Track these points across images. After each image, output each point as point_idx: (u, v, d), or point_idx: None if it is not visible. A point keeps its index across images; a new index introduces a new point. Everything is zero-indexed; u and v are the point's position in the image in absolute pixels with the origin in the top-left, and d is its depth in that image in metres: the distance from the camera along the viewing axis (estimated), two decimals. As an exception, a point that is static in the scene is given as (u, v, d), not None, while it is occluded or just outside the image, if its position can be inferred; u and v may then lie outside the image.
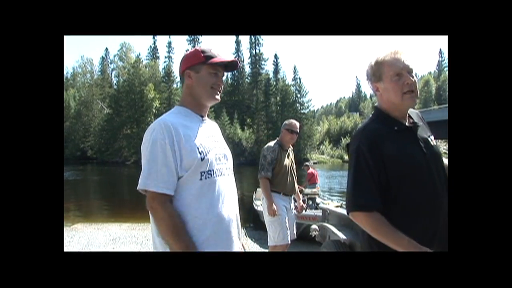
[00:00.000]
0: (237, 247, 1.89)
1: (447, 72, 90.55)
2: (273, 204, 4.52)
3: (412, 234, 1.68)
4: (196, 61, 1.90)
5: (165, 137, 1.73)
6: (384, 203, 1.73)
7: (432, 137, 1.86)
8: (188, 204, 1.74)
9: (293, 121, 4.88)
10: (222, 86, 1.95)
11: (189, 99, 1.93)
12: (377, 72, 1.83)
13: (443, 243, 1.67)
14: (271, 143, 4.78)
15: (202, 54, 1.89)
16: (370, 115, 1.92)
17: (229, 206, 1.86)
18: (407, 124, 1.84)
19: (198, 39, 68.49)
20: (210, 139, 1.88)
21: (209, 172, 1.79)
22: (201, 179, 1.76)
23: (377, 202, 1.71)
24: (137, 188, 1.75)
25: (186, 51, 2.10)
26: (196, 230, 1.73)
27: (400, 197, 1.73)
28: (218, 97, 1.93)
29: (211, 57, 1.89)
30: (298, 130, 4.76)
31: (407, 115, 1.87)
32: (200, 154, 1.77)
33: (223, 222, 1.81)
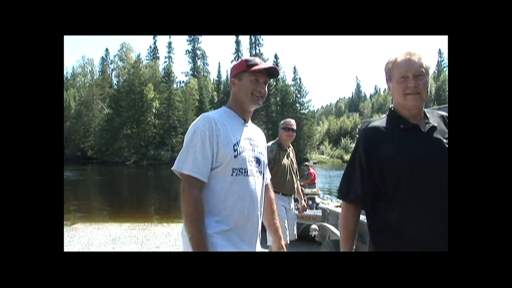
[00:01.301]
0: (252, 247, 1.98)
1: (446, 72, 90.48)
2: None
3: (414, 233, 1.71)
4: (240, 70, 2.05)
5: (206, 128, 1.90)
6: (385, 203, 1.79)
7: None
8: (217, 195, 1.89)
9: (288, 119, 4.93)
10: (265, 92, 2.10)
11: (234, 104, 2.09)
12: (388, 72, 1.91)
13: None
14: (270, 143, 4.80)
15: (245, 63, 2.04)
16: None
17: (253, 206, 1.98)
18: (416, 123, 1.85)
19: (198, 39, 68.56)
20: (248, 142, 2.02)
21: (240, 170, 1.93)
22: (232, 174, 1.91)
23: (358, 196, 1.84)
24: (172, 168, 1.92)
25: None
26: (218, 221, 1.87)
27: (400, 197, 1.75)
28: (260, 102, 2.07)
29: (252, 65, 2.03)
30: (294, 127, 4.80)
31: (423, 115, 1.89)
32: (235, 151, 1.92)
33: (244, 219, 1.93)
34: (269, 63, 2.11)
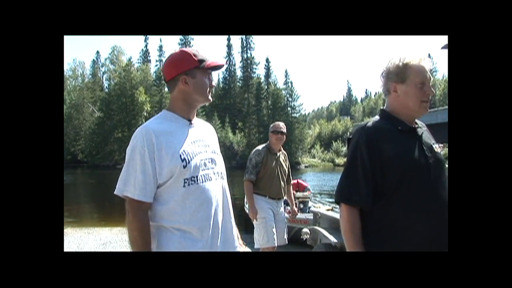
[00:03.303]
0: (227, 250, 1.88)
1: (436, 76, 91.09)
2: (254, 207, 4.57)
3: (410, 235, 1.72)
4: (191, 66, 1.85)
5: (144, 144, 1.72)
6: (382, 204, 1.76)
7: (436, 145, 1.89)
8: (172, 210, 1.75)
9: (277, 122, 4.93)
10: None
11: (180, 104, 1.89)
12: (402, 73, 1.85)
13: (442, 246, 1.67)
14: (259, 147, 4.83)
15: (195, 58, 1.85)
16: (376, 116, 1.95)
17: (216, 212, 1.84)
18: (413, 126, 1.87)
19: (190, 42, 68.41)
20: (197, 144, 1.86)
21: (192, 179, 1.78)
22: (184, 186, 1.76)
23: (362, 198, 1.76)
24: (115, 192, 1.76)
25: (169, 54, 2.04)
26: (179, 236, 1.74)
27: (399, 197, 1.75)
28: (211, 98, 1.92)
29: (203, 60, 1.86)
30: (283, 130, 4.78)
31: (414, 122, 1.91)
32: (183, 161, 1.76)
33: (209, 227, 1.80)
34: (220, 59, 1.98)
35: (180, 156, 1.76)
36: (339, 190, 1.85)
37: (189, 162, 1.78)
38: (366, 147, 1.78)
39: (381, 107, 1.97)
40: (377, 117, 1.93)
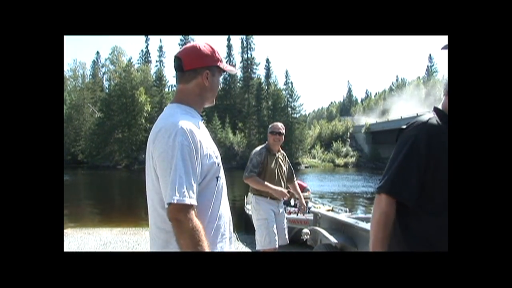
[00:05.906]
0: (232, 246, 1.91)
1: (436, 77, 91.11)
2: (274, 188, 4.58)
3: (434, 236, 1.69)
4: (215, 63, 1.83)
5: (190, 142, 1.62)
6: (421, 203, 1.71)
7: None
8: (205, 209, 1.70)
9: (276, 123, 4.93)
10: None
11: (196, 99, 1.82)
12: None
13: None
14: (259, 147, 4.84)
15: (219, 56, 1.84)
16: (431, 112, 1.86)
17: (228, 207, 1.88)
18: None
19: (190, 42, 68.37)
20: (212, 141, 1.84)
21: (219, 177, 1.78)
22: (216, 184, 1.75)
23: (407, 194, 1.68)
24: (167, 201, 1.56)
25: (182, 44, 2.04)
26: (209, 234, 1.70)
27: (430, 199, 1.72)
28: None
29: (221, 60, 1.86)
30: (281, 131, 4.78)
31: None
32: (216, 158, 1.75)
33: (227, 224, 1.83)
34: (232, 67, 1.94)
35: (214, 153, 1.75)
36: (386, 182, 1.71)
37: (219, 159, 1.78)
38: (425, 145, 1.70)
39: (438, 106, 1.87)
40: (433, 115, 1.81)
